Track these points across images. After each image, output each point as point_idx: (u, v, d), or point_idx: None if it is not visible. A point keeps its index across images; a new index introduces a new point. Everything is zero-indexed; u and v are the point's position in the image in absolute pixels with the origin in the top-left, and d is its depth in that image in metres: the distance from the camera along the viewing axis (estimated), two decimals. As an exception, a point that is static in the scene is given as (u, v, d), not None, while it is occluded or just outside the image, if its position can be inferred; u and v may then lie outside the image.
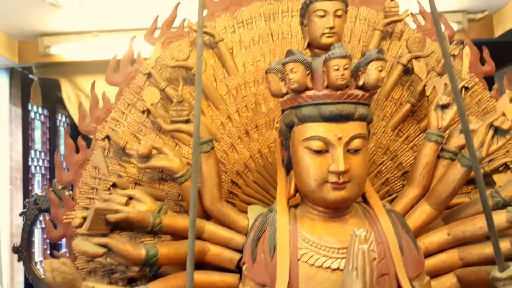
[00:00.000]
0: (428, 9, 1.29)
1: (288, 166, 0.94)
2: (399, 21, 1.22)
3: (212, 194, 0.99)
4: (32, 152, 3.04)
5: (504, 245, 0.92)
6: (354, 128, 0.85)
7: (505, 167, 1.16)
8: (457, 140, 1.05)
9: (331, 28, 0.91)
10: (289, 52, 0.86)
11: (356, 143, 0.85)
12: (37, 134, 3.23)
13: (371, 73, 0.85)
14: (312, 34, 0.93)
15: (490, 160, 1.18)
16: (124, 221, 0.85)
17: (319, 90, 0.86)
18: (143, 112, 1.17)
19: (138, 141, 1.18)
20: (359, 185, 0.87)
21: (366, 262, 0.72)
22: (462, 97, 1.19)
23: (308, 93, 0.86)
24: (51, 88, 3.01)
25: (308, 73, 0.85)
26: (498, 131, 0.92)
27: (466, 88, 1.20)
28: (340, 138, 0.84)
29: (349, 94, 0.84)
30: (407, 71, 1.23)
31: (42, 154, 3.16)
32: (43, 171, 3.12)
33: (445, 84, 1.08)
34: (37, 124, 3.23)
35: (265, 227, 0.91)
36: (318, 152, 0.85)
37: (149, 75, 1.17)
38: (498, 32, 3.03)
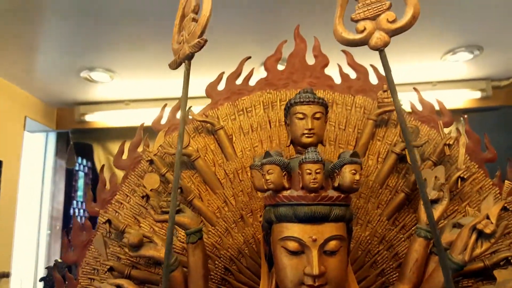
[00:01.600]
0: (428, 99, 1.33)
1: (270, 261, 0.95)
2: (391, 111, 1.26)
3: (197, 285, 1.01)
4: (74, 202, 3.23)
5: None
6: (329, 229, 0.86)
7: (507, 261, 1.11)
8: (448, 235, 1.02)
9: (310, 129, 0.95)
10: (267, 154, 0.91)
11: (332, 244, 0.86)
12: (80, 183, 3.44)
13: (345, 176, 0.87)
14: (293, 133, 0.99)
15: (493, 253, 1.13)
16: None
17: (296, 190, 0.89)
18: (142, 197, 1.24)
19: (139, 223, 1.24)
20: (336, 287, 0.86)
21: None
22: (458, 187, 1.17)
23: (285, 193, 0.89)
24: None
25: (285, 174, 0.89)
26: (482, 234, 0.89)
27: (462, 179, 1.18)
28: (315, 240, 0.85)
29: (323, 196, 0.87)
30: (403, 159, 1.24)
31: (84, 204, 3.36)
32: (83, 221, 3.29)
33: (436, 177, 1.07)
34: (81, 174, 3.45)
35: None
36: (294, 253, 0.86)
37: (151, 161, 1.25)
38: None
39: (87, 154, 3.26)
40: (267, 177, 0.88)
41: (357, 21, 0.74)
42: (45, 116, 3.01)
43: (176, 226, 1.09)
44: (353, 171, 0.87)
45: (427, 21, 2.11)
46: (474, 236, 0.89)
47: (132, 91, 2.89)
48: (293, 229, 0.87)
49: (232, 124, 1.32)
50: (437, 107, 1.32)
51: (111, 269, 1.17)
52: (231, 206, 1.24)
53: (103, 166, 1.35)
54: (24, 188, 2.75)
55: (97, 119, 3.05)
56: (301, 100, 0.97)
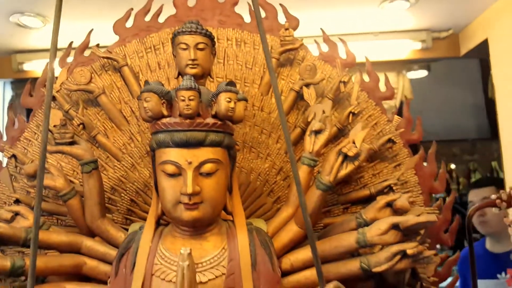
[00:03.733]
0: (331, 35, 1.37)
1: (156, 187, 1.01)
2: (293, 49, 1.29)
3: (91, 212, 1.07)
4: None
5: (354, 264, 0.97)
6: (205, 153, 0.92)
7: (390, 189, 1.21)
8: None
9: (193, 60, 0.98)
10: (146, 83, 0.94)
11: (207, 167, 0.92)
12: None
13: (220, 104, 0.92)
14: (178, 65, 1.01)
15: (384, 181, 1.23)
16: (-7, 235, 0.93)
17: (175, 117, 0.93)
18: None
19: (46, 159, 1.26)
20: (212, 206, 0.94)
21: (184, 277, 0.77)
22: (349, 121, 1.24)
23: (164, 120, 0.93)
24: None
25: (163, 102, 0.93)
26: (348, 157, 0.98)
27: (354, 114, 1.25)
28: (190, 163, 0.91)
29: (198, 123, 0.91)
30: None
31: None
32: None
33: (323, 111, 1.13)
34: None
35: (130, 244, 0.98)
36: (172, 175, 0.92)
37: (54, 98, 1.25)
38: (463, 50, 3.08)
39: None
40: (145, 104, 0.92)
41: None
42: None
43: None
44: (227, 99, 0.92)
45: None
46: (340, 159, 0.97)
47: (65, 38, 2.78)
48: (171, 154, 0.92)
49: (139, 61, 1.32)
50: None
51: (17, 201, 1.20)
52: (137, 142, 1.27)
53: (10, 104, 1.34)
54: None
55: (35, 68, 2.94)
56: (184, 30, 0.98)
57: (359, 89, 1.27)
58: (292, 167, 0.80)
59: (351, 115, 1.24)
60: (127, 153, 1.27)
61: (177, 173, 0.92)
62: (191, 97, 0.89)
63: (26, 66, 2.90)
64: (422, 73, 3.51)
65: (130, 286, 0.92)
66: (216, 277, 0.92)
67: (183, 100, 0.89)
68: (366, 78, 1.34)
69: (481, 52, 2.77)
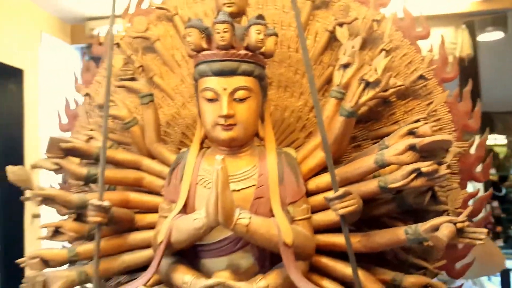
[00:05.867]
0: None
1: (200, 113, 1.17)
2: (326, -9, 1.36)
3: (150, 136, 1.27)
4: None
5: (373, 183, 1.06)
6: (238, 81, 1.06)
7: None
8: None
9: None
10: (188, 20, 1.08)
11: (240, 93, 1.06)
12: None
13: (251, 36, 1.04)
14: (216, 4, 1.15)
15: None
16: (73, 149, 1.17)
17: (213, 50, 1.08)
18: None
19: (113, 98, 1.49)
20: (244, 128, 1.08)
21: (218, 178, 0.93)
22: (384, 59, 1.29)
23: (204, 53, 1.08)
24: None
25: (203, 37, 1.07)
26: (370, 84, 1.05)
27: (386, 51, 1.29)
28: (225, 89, 1.05)
29: (232, 53, 1.05)
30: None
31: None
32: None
33: (352, 46, 1.21)
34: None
35: (179, 161, 1.17)
36: (211, 100, 1.08)
37: (118, 45, 1.46)
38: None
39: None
40: (188, 39, 1.07)
41: None
42: (60, 31, 3.25)
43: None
44: (257, 31, 1.04)
45: None
46: (362, 86, 1.06)
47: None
48: (210, 81, 1.07)
49: (188, 11, 1.47)
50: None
51: (90, 138, 1.45)
52: (187, 84, 1.45)
53: (84, 52, 1.58)
54: (44, 98, 3.08)
55: (105, 32, 3.24)
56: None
57: (392, 27, 1.31)
58: (312, 96, 0.91)
59: (384, 52, 1.29)
60: (179, 92, 1.45)
61: (215, 99, 1.07)
62: (225, 30, 1.03)
63: (97, 32, 3.23)
64: (498, 34, 3.19)
65: (179, 193, 1.11)
66: (248, 187, 1.08)
67: (218, 33, 1.03)
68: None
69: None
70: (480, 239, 0.91)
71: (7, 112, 2.83)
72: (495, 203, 5.16)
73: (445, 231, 0.89)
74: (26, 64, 2.85)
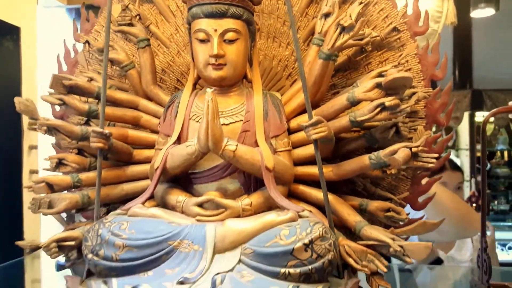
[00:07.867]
0: None
1: (192, 56, 1.29)
2: None
3: (146, 79, 1.39)
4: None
5: (345, 119, 1.20)
6: (227, 23, 1.17)
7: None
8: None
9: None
10: (182, -35, 1.18)
11: (229, 35, 1.18)
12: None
13: (240, -19, 1.15)
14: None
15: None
16: (75, 86, 1.28)
17: (205, -7, 1.18)
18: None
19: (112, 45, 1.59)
20: (233, 68, 1.20)
21: (209, 108, 1.06)
22: (357, 6, 1.39)
23: (196, -4, 1.19)
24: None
25: (196, -18, 1.17)
26: (345, 29, 1.17)
27: (364, 4, 1.39)
28: (215, 30, 1.17)
29: (222, -2, 1.16)
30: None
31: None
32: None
33: (334, -3, 1.31)
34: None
35: (174, 99, 1.30)
36: (202, 41, 1.19)
37: (116, -5, 1.55)
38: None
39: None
40: (182, -16, 1.17)
41: None
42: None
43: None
44: (246, -24, 1.14)
45: None
46: (338, 31, 1.17)
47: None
48: (201, 23, 1.19)
49: (183, -35, 1.56)
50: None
51: (90, 80, 1.56)
52: (181, 33, 1.55)
53: (83, 3, 1.66)
54: (42, 56, 3.15)
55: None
56: None
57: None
58: (294, 45, 1.03)
59: (361, 5, 1.40)
60: (174, 41, 1.56)
61: (206, 39, 1.18)
62: (217, -25, 1.13)
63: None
64: (489, 11, 3.20)
65: (174, 127, 1.24)
66: (236, 122, 1.21)
67: (210, -23, 1.13)
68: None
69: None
70: (432, 163, 1.06)
71: (4, 70, 2.90)
72: (480, 178, 5.35)
73: (401, 154, 1.04)
74: (23, 22, 2.90)
